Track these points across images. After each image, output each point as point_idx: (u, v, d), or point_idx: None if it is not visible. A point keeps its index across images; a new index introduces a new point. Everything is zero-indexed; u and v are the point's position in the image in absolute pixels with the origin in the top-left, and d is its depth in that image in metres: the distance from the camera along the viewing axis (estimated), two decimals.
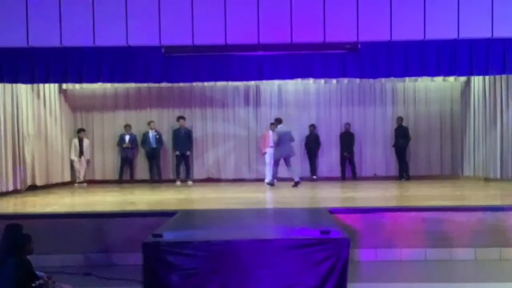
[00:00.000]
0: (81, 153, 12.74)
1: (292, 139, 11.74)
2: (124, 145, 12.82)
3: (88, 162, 13.01)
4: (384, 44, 8.17)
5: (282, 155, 11.52)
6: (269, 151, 12.84)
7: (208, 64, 8.61)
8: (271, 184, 11.64)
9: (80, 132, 12.82)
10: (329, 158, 13.38)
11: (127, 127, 12.95)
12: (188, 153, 12.86)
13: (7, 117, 10.01)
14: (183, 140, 12.78)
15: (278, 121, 11.90)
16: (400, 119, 12.99)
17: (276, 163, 11.57)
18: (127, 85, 12.65)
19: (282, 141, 11.49)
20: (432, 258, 6.64)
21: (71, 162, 12.80)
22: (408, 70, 8.50)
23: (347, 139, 13.11)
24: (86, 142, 12.89)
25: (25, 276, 4.54)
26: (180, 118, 12.92)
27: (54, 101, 12.23)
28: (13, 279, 4.45)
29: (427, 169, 13.28)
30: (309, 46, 7.98)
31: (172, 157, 13.15)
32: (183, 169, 12.86)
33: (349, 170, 13.19)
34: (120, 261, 6.61)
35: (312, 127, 13.14)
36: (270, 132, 12.87)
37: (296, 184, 11.19)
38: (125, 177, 12.96)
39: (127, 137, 12.89)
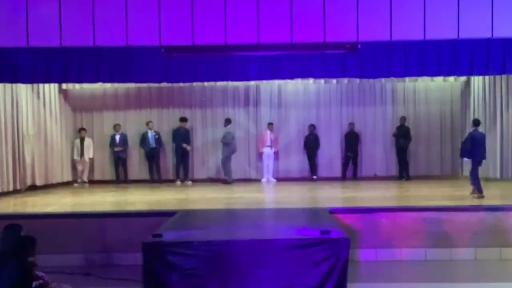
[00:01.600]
0: (82, 152, 12.71)
1: (234, 138, 12.59)
2: (116, 149, 12.77)
3: (90, 161, 12.96)
4: (384, 44, 8.18)
5: (233, 152, 12.41)
6: (266, 151, 12.89)
7: (208, 64, 8.62)
8: (228, 183, 12.13)
9: (80, 132, 12.79)
10: (329, 158, 13.37)
11: (117, 126, 12.89)
12: (188, 148, 12.78)
13: (7, 117, 10.01)
14: (182, 138, 12.75)
15: (228, 121, 12.54)
16: (403, 119, 12.94)
17: (228, 161, 12.40)
18: (127, 85, 12.65)
19: (232, 140, 12.35)
20: (432, 258, 6.64)
21: (73, 162, 12.76)
22: (408, 70, 8.51)
23: (352, 139, 13.09)
24: (87, 141, 12.82)
25: (25, 277, 4.53)
26: (183, 120, 12.88)
27: (54, 101, 12.23)
28: (14, 280, 4.44)
29: (427, 169, 13.28)
30: (309, 46, 7.98)
31: (173, 157, 13.13)
32: (182, 168, 12.84)
33: (349, 170, 13.17)
34: (120, 261, 6.61)
35: (312, 127, 13.14)
36: (268, 132, 12.92)
37: (226, 182, 12.15)
38: (121, 177, 12.94)
39: (117, 137, 12.85)
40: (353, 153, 13.06)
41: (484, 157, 9.01)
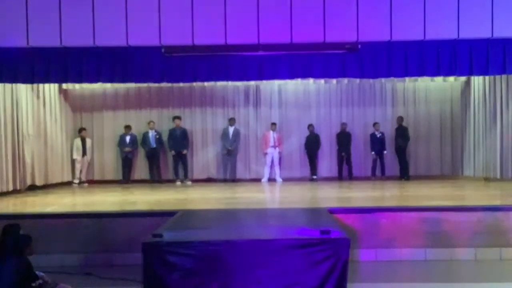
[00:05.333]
0: (84, 152, 12.72)
1: (227, 135, 13.13)
2: (126, 149, 12.80)
3: (89, 162, 12.99)
4: (384, 44, 8.18)
5: (225, 149, 12.97)
6: (270, 151, 12.89)
7: (208, 64, 8.62)
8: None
9: (81, 132, 12.79)
10: (329, 158, 13.37)
11: (127, 128, 12.93)
12: (185, 151, 12.82)
13: (7, 117, 10.00)
14: (179, 139, 12.76)
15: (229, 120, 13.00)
16: (400, 119, 12.98)
17: (224, 158, 13.16)
18: (127, 85, 12.65)
19: (224, 137, 13.03)
20: (432, 258, 6.63)
21: (73, 161, 12.76)
22: (408, 70, 8.51)
23: (344, 139, 13.10)
24: (88, 141, 12.87)
25: (24, 276, 4.54)
26: (176, 118, 12.90)
27: (54, 101, 12.22)
28: (13, 280, 4.44)
29: (427, 169, 13.28)
30: (309, 46, 7.99)
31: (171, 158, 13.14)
32: (181, 168, 12.84)
33: (345, 170, 13.17)
34: (120, 261, 6.60)
35: (311, 127, 13.13)
36: (271, 132, 12.91)
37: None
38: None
39: (127, 138, 12.87)
40: (346, 153, 13.07)
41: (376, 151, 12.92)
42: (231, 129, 12.93)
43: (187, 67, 8.62)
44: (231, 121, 12.97)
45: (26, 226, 5.09)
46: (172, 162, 12.97)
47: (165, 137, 13.05)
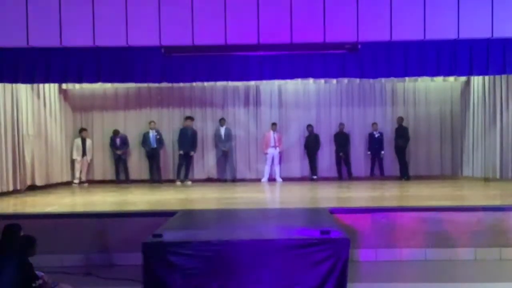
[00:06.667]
0: (83, 152, 12.73)
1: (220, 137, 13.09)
2: (117, 152, 12.82)
3: (89, 162, 13.00)
4: (384, 44, 8.18)
5: (221, 152, 12.99)
6: (271, 152, 12.88)
7: (208, 64, 8.62)
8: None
9: (82, 132, 12.80)
10: (329, 158, 13.36)
11: (115, 131, 12.93)
12: (192, 153, 12.84)
13: (7, 117, 10.00)
14: (189, 140, 12.76)
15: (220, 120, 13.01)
16: (400, 119, 12.98)
17: (220, 159, 13.13)
18: (127, 85, 12.62)
19: (218, 139, 13.01)
20: (432, 258, 6.64)
21: (72, 161, 12.77)
22: (408, 70, 8.51)
23: (342, 139, 13.11)
24: (88, 142, 12.87)
25: (25, 276, 4.54)
26: (188, 118, 12.90)
27: (54, 101, 12.22)
28: (13, 280, 4.45)
29: (427, 169, 13.27)
30: (309, 46, 7.98)
31: (173, 157, 13.14)
32: (184, 169, 12.84)
33: (345, 170, 13.18)
34: (120, 261, 6.61)
35: (310, 127, 13.12)
36: (272, 132, 12.91)
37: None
38: (121, 177, 12.96)
39: (117, 140, 12.87)
40: (345, 153, 13.07)
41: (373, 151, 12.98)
42: (222, 130, 12.94)
43: (187, 67, 8.62)
44: (222, 121, 12.97)
45: (26, 226, 5.10)
46: (173, 161, 12.96)
47: (168, 137, 13.04)
